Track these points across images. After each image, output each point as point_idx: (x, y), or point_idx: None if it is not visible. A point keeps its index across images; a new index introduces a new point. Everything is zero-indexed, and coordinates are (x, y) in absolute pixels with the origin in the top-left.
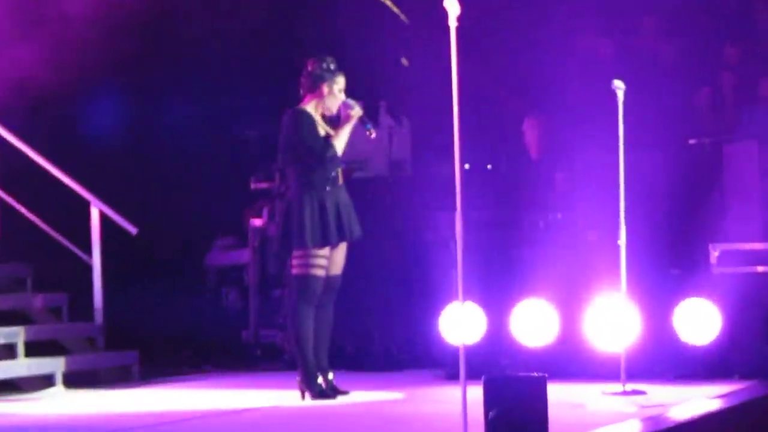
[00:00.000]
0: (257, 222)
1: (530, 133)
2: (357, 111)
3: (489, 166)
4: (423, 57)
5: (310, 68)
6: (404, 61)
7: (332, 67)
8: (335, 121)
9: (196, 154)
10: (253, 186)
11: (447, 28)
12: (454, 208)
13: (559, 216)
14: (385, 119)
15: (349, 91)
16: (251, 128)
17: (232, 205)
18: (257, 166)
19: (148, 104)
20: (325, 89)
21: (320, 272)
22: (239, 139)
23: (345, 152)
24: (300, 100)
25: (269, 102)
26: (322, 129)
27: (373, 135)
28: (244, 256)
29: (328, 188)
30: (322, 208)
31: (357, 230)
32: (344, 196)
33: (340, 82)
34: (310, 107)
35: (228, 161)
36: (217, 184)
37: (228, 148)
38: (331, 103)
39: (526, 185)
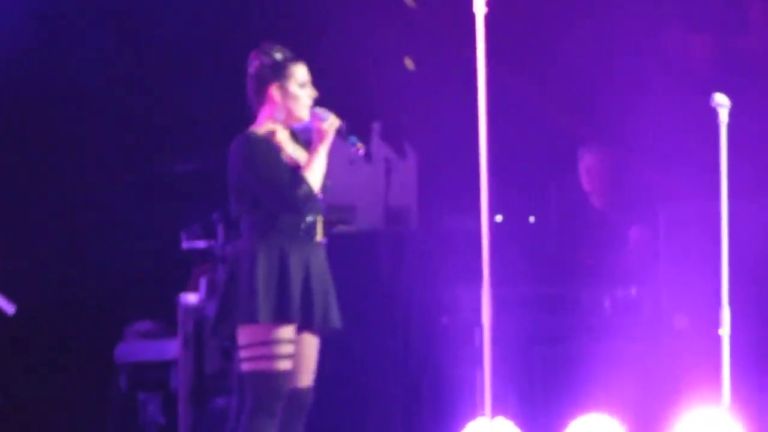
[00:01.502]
0: (190, 298)
1: (591, 169)
2: (332, 121)
3: (531, 219)
4: (435, 58)
5: (252, 70)
6: (408, 64)
7: (279, 57)
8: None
9: (104, 197)
10: (185, 245)
11: (470, 17)
12: (479, 280)
13: (634, 292)
14: (380, 148)
15: (330, 108)
16: (183, 161)
17: (154, 272)
18: (191, 215)
19: (33, 121)
20: (276, 93)
21: (284, 365)
22: (165, 177)
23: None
24: (253, 120)
25: (210, 124)
26: (293, 153)
27: (362, 151)
28: (171, 348)
29: (297, 241)
30: (284, 267)
31: (334, 316)
32: (320, 261)
33: (299, 73)
34: (267, 127)
35: (149, 208)
36: (132, 241)
37: (149, 190)
38: (294, 107)
39: (584, 246)
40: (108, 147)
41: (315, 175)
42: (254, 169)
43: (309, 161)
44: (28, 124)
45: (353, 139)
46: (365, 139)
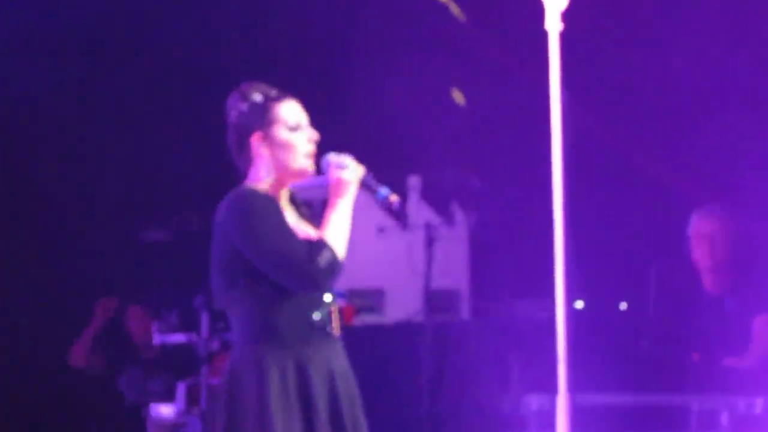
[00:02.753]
0: (164, 411)
1: (702, 241)
2: (353, 169)
3: (623, 305)
4: (492, 91)
5: (232, 118)
6: (457, 98)
7: (258, 99)
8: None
9: (51, 273)
10: (157, 339)
11: (541, 35)
12: (553, 386)
13: (759, 405)
14: (420, 211)
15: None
16: (158, 227)
17: (114, 374)
18: (165, 300)
19: None
20: (260, 144)
21: None
22: (132, 247)
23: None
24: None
25: (190, 182)
26: (295, 225)
27: (397, 205)
28: None
29: (313, 340)
30: (306, 389)
31: (362, 427)
32: (341, 364)
33: (288, 114)
34: (262, 188)
35: (109, 286)
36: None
37: (111, 262)
38: (289, 159)
39: (693, 342)
40: (63, 209)
41: (338, 234)
42: (256, 234)
43: (327, 220)
44: None
45: (384, 190)
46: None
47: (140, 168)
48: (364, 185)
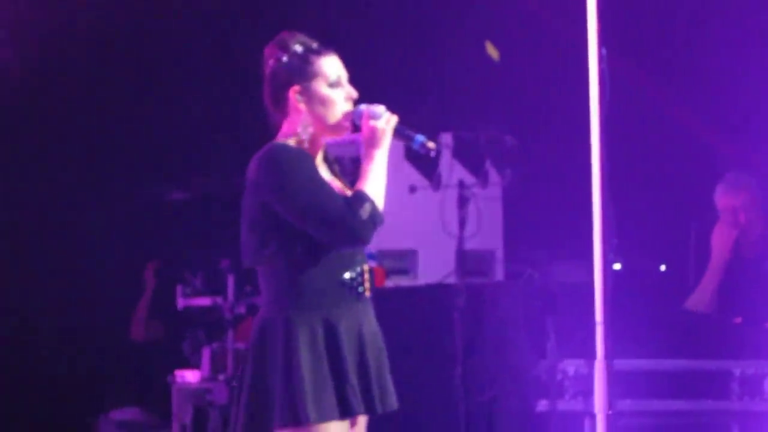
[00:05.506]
0: (187, 376)
1: (731, 215)
2: (387, 118)
3: (662, 267)
4: (528, 45)
5: (270, 69)
6: (491, 53)
7: (299, 50)
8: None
9: (73, 232)
10: (181, 303)
11: None
12: (591, 351)
13: None
14: (452, 170)
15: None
16: (179, 187)
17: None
18: (188, 261)
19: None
20: (298, 98)
21: None
22: (156, 208)
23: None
24: (275, 134)
25: (216, 143)
26: (330, 179)
27: (433, 151)
28: None
29: (344, 300)
30: (336, 347)
31: (392, 397)
32: (371, 325)
33: (329, 68)
34: (296, 143)
35: (133, 248)
36: (111, 296)
37: (134, 222)
38: (327, 114)
39: (736, 305)
40: (85, 176)
41: (377, 189)
42: (293, 189)
43: (365, 171)
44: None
45: (420, 137)
46: (431, 159)
47: (167, 129)
48: (398, 134)
